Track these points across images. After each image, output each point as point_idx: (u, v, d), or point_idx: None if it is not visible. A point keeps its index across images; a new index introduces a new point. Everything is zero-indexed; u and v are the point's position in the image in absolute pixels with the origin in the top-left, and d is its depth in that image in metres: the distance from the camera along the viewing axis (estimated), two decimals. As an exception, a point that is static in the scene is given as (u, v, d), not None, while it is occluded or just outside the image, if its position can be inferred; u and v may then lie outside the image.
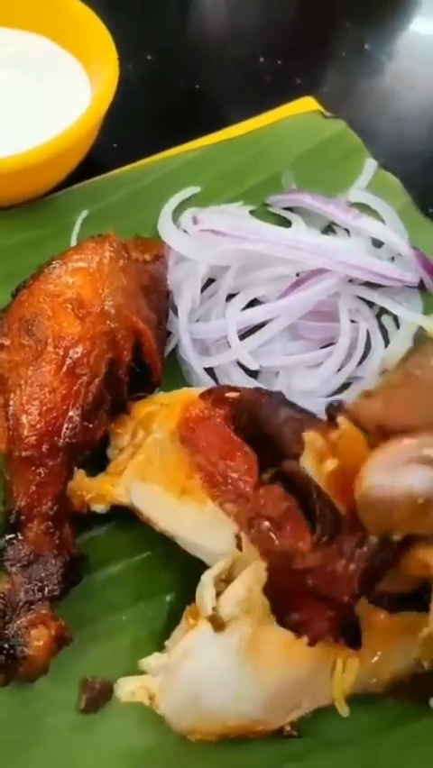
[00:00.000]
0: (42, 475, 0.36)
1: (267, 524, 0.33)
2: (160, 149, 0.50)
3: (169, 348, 0.43)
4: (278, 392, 0.37)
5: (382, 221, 0.47)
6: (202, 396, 0.37)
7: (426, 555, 0.31)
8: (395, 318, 0.45)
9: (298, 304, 0.41)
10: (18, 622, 0.34)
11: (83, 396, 0.37)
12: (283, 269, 0.41)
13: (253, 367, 0.40)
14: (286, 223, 0.47)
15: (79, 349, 0.37)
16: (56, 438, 0.36)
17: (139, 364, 0.40)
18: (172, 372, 0.43)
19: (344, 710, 0.34)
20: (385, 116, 0.59)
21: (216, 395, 0.37)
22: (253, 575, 0.33)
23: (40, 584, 0.35)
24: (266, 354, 0.41)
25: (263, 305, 0.41)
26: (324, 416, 0.32)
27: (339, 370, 0.42)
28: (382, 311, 0.45)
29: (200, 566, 0.36)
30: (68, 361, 0.37)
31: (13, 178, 0.45)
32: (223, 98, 0.57)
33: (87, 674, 0.36)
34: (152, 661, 0.35)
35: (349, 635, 0.32)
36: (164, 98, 0.57)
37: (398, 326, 0.45)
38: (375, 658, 0.34)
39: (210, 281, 0.45)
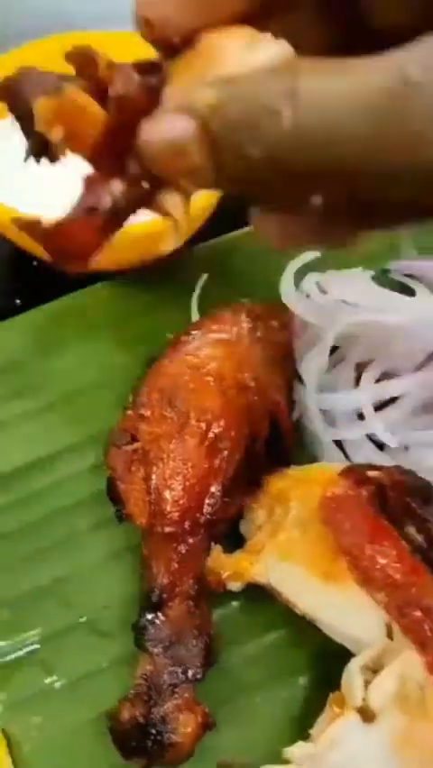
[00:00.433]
0: (184, 552, 0.36)
1: (420, 614, 0.33)
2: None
3: (294, 416, 0.43)
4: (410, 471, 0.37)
5: None
6: (343, 474, 0.37)
7: None
8: None
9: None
10: (165, 707, 0.33)
11: (224, 471, 0.37)
12: (419, 342, 0.41)
13: (391, 444, 0.40)
14: (407, 290, 0.47)
15: (222, 423, 0.37)
16: (198, 514, 0.36)
17: (272, 436, 0.39)
18: (296, 441, 0.42)
19: None
20: None
21: (357, 474, 0.37)
22: (406, 666, 0.33)
23: (182, 666, 0.34)
24: (397, 428, 0.41)
25: (400, 378, 0.41)
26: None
27: None
28: None
29: (337, 648, 0.35)
30: (210, 436, 0.37)
31: (137, 244, 0.45)
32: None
33: (225, 757, 0.36)
34: (296, 750, 0.34)
35: None
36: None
37: None
38: None
39: (334, 347, 0.44)
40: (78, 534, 0.40)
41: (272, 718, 0.36)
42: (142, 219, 0.44)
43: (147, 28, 0.26)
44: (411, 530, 0.35)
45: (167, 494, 0.36)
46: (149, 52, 0.27)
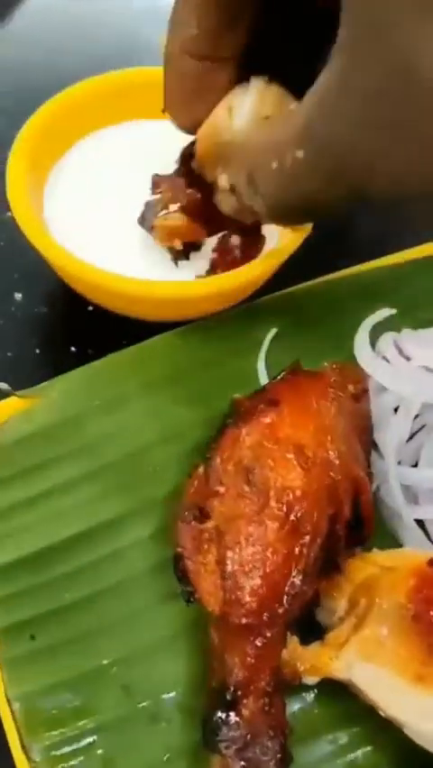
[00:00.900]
0: (260, 645, 0.33)
1: None
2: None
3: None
4: None
5: None
6: (432, 564, 0.34)
7: None
8: None
9: None
10: None
11: (305, 557, 0.34)
12: None
13: None
14: None
15: (304, 505, 0.34)
16: (277, 605, 0.33)
17: (352, 515, 0.37)
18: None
19: None
20: None
21: (449, 564, 0.34)
22: None
23: (257, 770, 0.32)
24: None
25: None
26: None
27: None
28: None
29: (422, 751, 0.33)
30: (291, 518, 0.34)
31: (202, 300, 0.43)
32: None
33: None
34: None
35: None
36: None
37: None
38: None
39: (410, 413, 0.42)
40: (139, 610, 0.37)
41: None
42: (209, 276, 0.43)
43: (184, 130, 0.40)
44: None
45: (244, 582, 0.33)
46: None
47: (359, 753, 0.35)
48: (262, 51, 0.37)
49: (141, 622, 0.37)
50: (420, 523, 0.39)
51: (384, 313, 0.45)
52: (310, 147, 0.31)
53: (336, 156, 0.31)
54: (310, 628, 0.36)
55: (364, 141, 0.29)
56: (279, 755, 0.32)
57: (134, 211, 0.44)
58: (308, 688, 0.35)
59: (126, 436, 0.41)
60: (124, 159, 0.48)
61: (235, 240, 0.44)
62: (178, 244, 0.43)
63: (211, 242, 0.45)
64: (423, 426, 0.41)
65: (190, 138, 0.40)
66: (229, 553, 0.34)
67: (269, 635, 0.33)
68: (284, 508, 0.34)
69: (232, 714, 0.32)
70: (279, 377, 0.39)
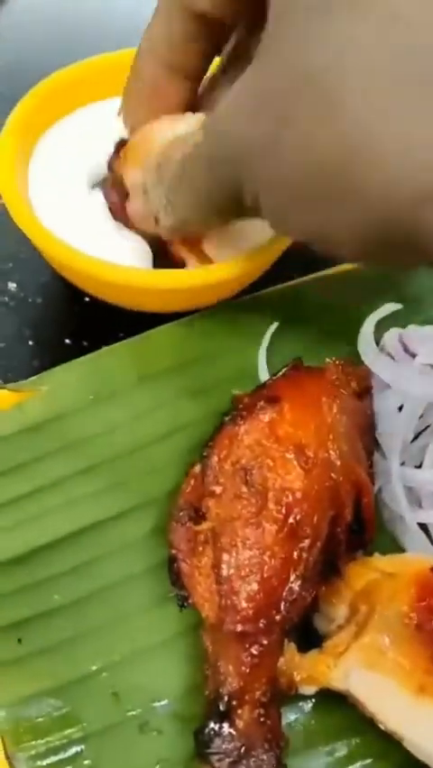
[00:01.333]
0: (256, 653, 0.32)
1: None
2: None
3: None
4: None
5: None
6: (436, 570, 0.33)
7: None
8: None
9: None
10: None
11: (304, 562, 0.32)
12: None
13: None
14: None
15: (304, 507, 0.33)
16: (274, 611, 0.32)
17: (354, 518, 0.35)
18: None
19: None
20: None
21: (454, 572, 0.33)
22: None
23: (251, 785, 0.30)
24: None
25: None
26: None
27: None
28: None
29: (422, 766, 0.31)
30: (290, 521, 0.32)
31: (201, 291, 0.42)
32: None
33: None
34: None
35: None
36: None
37: None
38: None
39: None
40: (131, 613, 0.36)
41: None
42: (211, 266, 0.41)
43: (128, 129, 0.42)
44: None
45: (241, 587, 0.32)
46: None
47: (357, 765, 0.34)
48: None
49: (132, 626, 0.36)
50: (424, 527, 0.37)
51: (390, 308, 0.43)
52: (208, 132, 0.33)
53: (227, 142, 0.32)
54: (308, 636, 0.34)
55: (254, 132, 0.30)
56: (274, 769, 0.31)
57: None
58: (305, 698, 0.34)
59: (121, 432, 0.40)
60: (111, 137, 0.46)
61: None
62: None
63: None
64: (428, 426, 0.39)
65: None
66: (225, 557, 0.32)
67: (265, 642, 0.32)
68: (283, 510, 0.32)
69: (225, 725, 0.31)
70: (279, 373, 0.38)
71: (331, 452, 0.34)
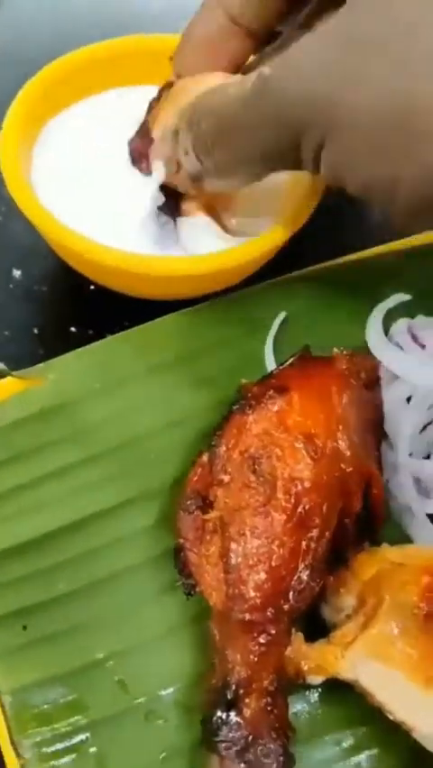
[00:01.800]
0: (264, 642, 0.31)
1: None
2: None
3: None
4: None
5: None
6: (446, 560, 0.33)
7: None
8: None
9: None
10: None
11: (313, 552, 0.32)
12: None
13: None
14: None
15: (313, 497, 0.32)
16: (282, 601, 0.32)
17: (363, 509, 0.35)
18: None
19: None
20: None
21: (464, 562, 0.32)
22: None
23: (258, 774, 0.30)
24: None
25: None
26: None
27: None
28: None
29: (430, 757, 0.31)
30: (299, 511, 0.32)
31: (204, 279, 0.41)
32: None
33: None
34: None
35: None
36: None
37: None
38: None
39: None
40: (136, 602, 0.36)
41: None
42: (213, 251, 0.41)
43: (176, 73, 0.40)
44: None
45: (249, 576, 0.31)
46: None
47: (364, 756, 0.34)
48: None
49: (138, 614, 0.36)
50: (432, 518, 0.37)
51: (399, 298, 0.43)
52: (276, 74, 0.32)
53: (300, 83, 0.31)
54: (316, 625, 0.34)
55: (336, 73, 0.30)
56: (281, 757, 0.31)
57: (123, 179, 0.43)
58: (312, 688, 0.34)
59: (127, 421, 0.40)
60: (114, 125, 0.46)
61: None
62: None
63: None
64: (437, 418, 0.39)
65: None
66: (233, 545, 0.32)
67: (273, 631, 0.32)
68: (292, 500, 0.32)
69: (232, 714, 0.31)
70: (287, 362, 0.37)
71: (340, 442, 0.34)
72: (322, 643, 0.33)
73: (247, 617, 0.31)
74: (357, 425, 0.35)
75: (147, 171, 0.42)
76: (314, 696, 0.34)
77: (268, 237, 0.41)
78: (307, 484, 0.32)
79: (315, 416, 0.34)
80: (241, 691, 0.31)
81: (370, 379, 0.38)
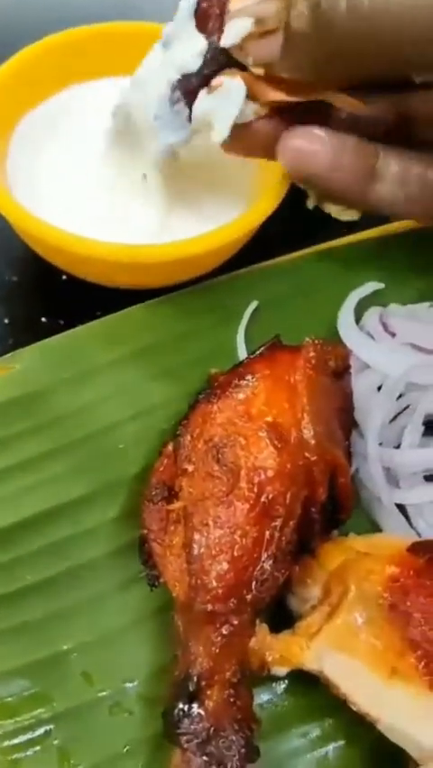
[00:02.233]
0: (227, 633, 0.31)
1: None
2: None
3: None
4: None
5: None
6: (412, 550, 0.32)
7: None
8: None
9: None
10: None
11: (276, 541, 0.32)
12: None
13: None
14: None
15: (276, 486, 0.32)
16: (245, 591, 0.31)
17: (328, 497, 0.35)
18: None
19: None
20: None
21: (430, 551, 0.32)
22: None
23: (220, 766, 0.30)
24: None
25: None
26: None
27: None
28: None
29: (394, 748, 0.31)
30: (262, 500, 0.32)
31: (174, 266, 0.41)
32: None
33: None
34: None
35: None
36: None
37: None
38: None
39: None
40: (101, 594, 0.36)
41: None
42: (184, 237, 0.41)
43: None
44: None
45: (211, 566, 0.31)
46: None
47: (330, 747, 0.33)
48: None
49: (104, 606, 0.35)
50: (401, 507, 0.37)
51: (371, 287, 0.43)
52: None
53: None
54: (281, 616, 0.34)
55: None
56: (243, 750, 0.30)
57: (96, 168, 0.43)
58: (277, 679, 0.34)
59: (95, 412, 0.39)
60: (93, 117, 0.45)
61: None
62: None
63: None
64: (407, 407, 0.39)
65: None
66: (196, 536, 0.32)
67: (236, 622, 0.31)
68: (255, 489, 0.32)
69: (195, 705, 0.30)
70: (257, 352, 0.37)
71: (305, 430, 0.33)
72: (287, 634, 0.33)
73: (209, 607, 0.31)
74: (324, 414, 0.34)
75: (212, 32, 0.36)
76: (279, 687, 0.34)
77: (238, 222, 0.40)
78: (270, 473, 0.32)
79: (279, 405, 0.33)
80: (203, 683, 0.30)
81: (340, 368, 0.38)
